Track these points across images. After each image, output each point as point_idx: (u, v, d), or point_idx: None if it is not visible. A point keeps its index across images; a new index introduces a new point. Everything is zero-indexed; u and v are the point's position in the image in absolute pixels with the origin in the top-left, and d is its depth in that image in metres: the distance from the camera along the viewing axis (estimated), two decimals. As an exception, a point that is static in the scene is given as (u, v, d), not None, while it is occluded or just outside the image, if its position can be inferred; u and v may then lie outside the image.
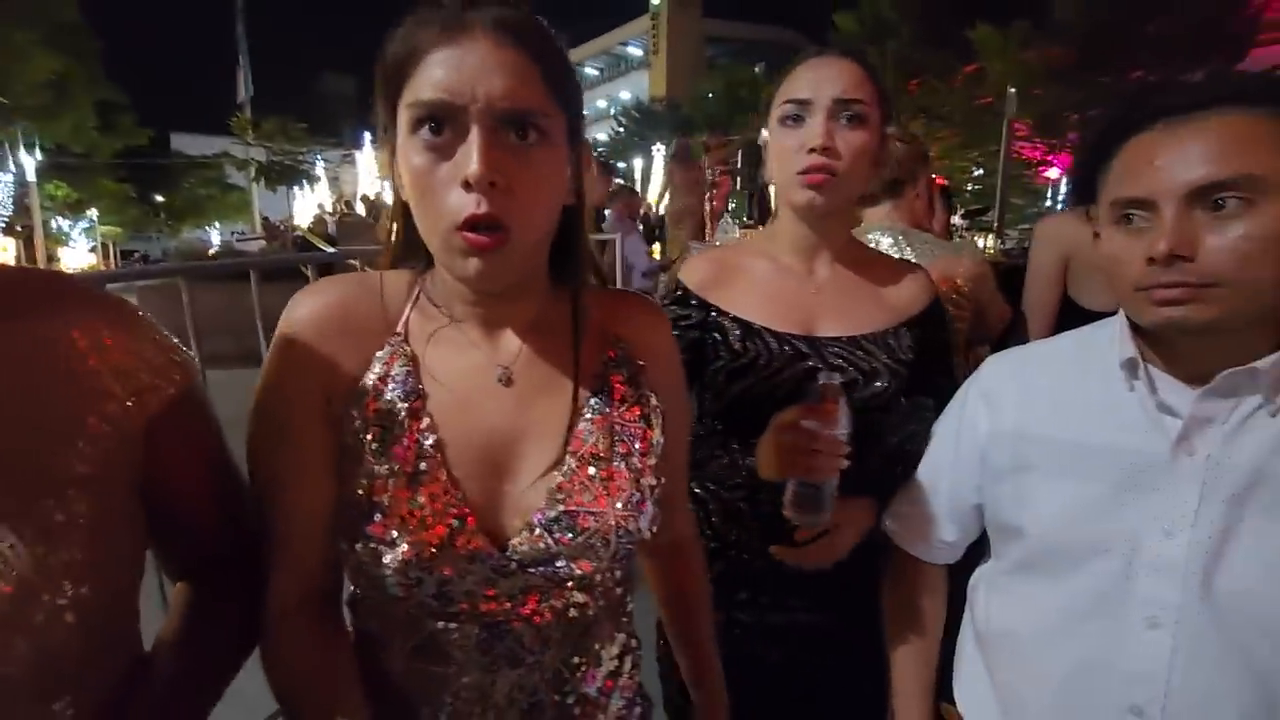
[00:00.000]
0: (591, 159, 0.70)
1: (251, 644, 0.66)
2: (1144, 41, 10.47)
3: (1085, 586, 0.75)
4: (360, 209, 13.20)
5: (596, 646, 0.70)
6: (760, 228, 1.24)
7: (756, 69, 17.91)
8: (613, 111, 31.72)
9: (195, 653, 0.64)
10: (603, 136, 28.22)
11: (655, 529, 0.68)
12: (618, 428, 0.67)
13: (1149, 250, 0.67)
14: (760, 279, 1.04)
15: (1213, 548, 0.68)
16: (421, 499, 0.59)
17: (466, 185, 0.54)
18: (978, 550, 0.97)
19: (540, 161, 0.58)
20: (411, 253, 0.67)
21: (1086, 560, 0.75)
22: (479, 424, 0.63)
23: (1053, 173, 12.55)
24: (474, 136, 0.54)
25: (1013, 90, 7.72)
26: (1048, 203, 12.35)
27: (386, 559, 0.58)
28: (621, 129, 26.62)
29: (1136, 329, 0.77)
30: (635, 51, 34.76)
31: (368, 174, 15.70)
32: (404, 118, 0.57)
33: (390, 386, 0.62)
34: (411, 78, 0.56)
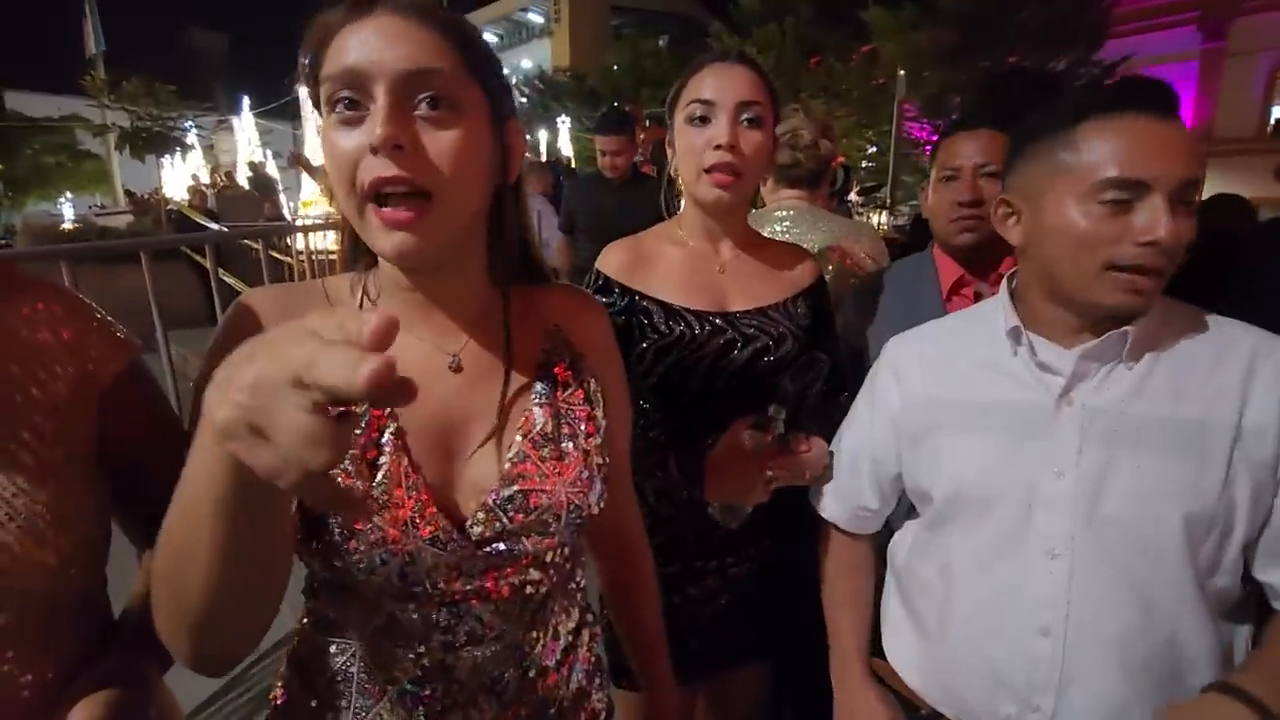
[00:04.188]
0: (525, 143, 0.69)
1: None
2: (1018, 29, 11.25)
3: (994, 528, 0.83)
4: (242, 180, 12.20)
5: (553, 621, 0.73)
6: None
7: (661, 42, 17.80)
8: (515, 81, 30.74)
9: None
10: (505, 107, 27.01)
11: (602, 505, 0.71)
12: (564, 410, 0.70)
13: (1144, 235, 0.71)
14: (674, 264, 1.13)
15: (1095, 482, 0.77)
16: (384, 484, 0.61)
17: (373, 150, 0.54)
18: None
19: (455, 129, 0.57)
20: (360, 254, 0.69)
21: (993, 504, 0.83)
22: (433, 410, 0.65)
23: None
24: (380, 100, 0.55)
25: (902, 72, 8.10)
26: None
27: (352, 543, 0.60)
28: (524, 99, 25.87)
29: (1013, 298, 0.85)
30: (536, 19, 33.64)
31: (247, 142, 14.56)
32: (322, 97, 0.58)
33: None
34: (325, 59, 0.57)
